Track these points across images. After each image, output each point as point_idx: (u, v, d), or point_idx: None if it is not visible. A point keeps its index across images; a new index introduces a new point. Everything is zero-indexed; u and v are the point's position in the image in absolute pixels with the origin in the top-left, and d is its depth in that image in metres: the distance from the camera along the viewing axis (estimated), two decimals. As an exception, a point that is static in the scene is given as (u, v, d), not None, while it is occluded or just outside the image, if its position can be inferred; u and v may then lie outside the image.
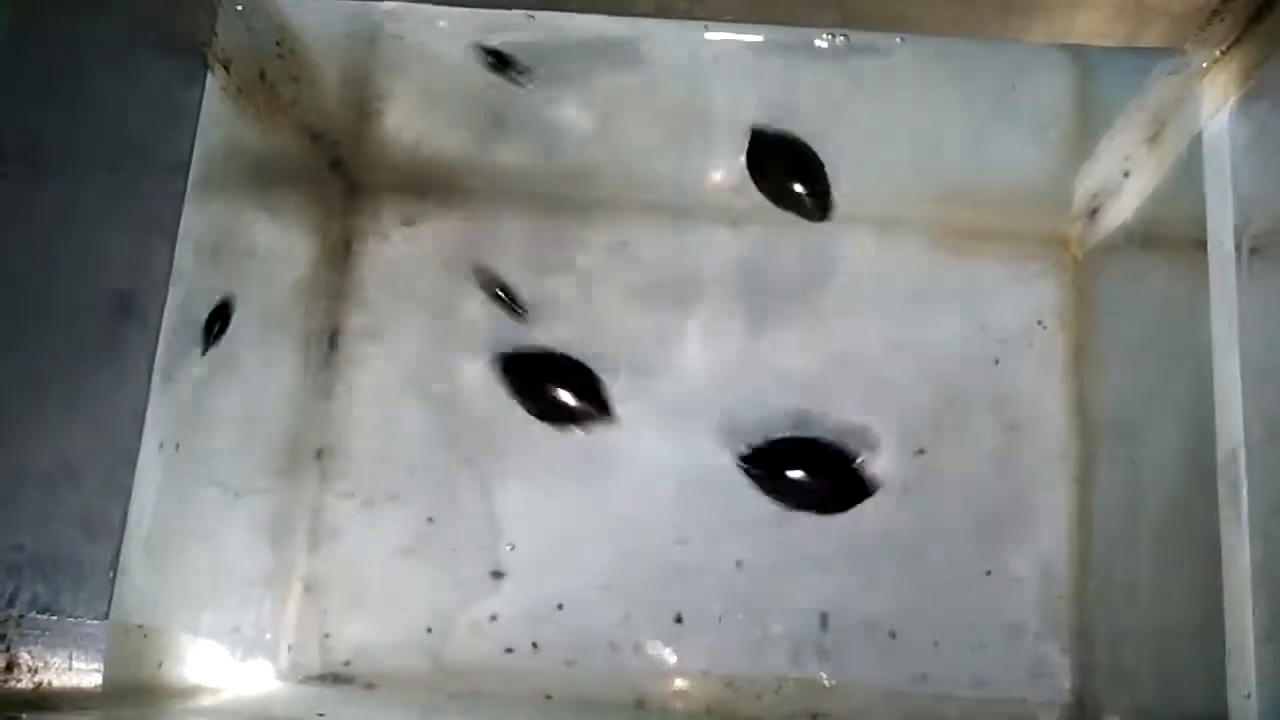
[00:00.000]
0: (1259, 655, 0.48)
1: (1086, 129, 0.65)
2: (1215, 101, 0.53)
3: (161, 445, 0.52)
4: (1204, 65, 0.53)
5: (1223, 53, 0.52)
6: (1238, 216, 0.51)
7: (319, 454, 0.69)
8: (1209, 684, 0.50)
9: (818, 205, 0.68)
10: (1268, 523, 0.48)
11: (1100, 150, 0.64)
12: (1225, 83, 0.52)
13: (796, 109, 0.68)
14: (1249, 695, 0.48)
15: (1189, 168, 0.55)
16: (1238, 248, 0.51)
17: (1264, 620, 0.48)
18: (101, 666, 0.48)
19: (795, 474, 0.67)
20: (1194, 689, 0.52)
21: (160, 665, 0.53)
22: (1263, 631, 0.48)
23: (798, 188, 0.68)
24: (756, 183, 0.68)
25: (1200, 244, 0.53)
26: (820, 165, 0.67)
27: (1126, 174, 0.63)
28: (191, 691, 0.56)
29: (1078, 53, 0.62)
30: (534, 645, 0.67)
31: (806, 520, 0.68)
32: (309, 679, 0.66)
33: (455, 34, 0.64)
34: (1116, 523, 0.64)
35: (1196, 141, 0.54)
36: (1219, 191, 0.52)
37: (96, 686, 0.47)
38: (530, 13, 0.59)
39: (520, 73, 0.63)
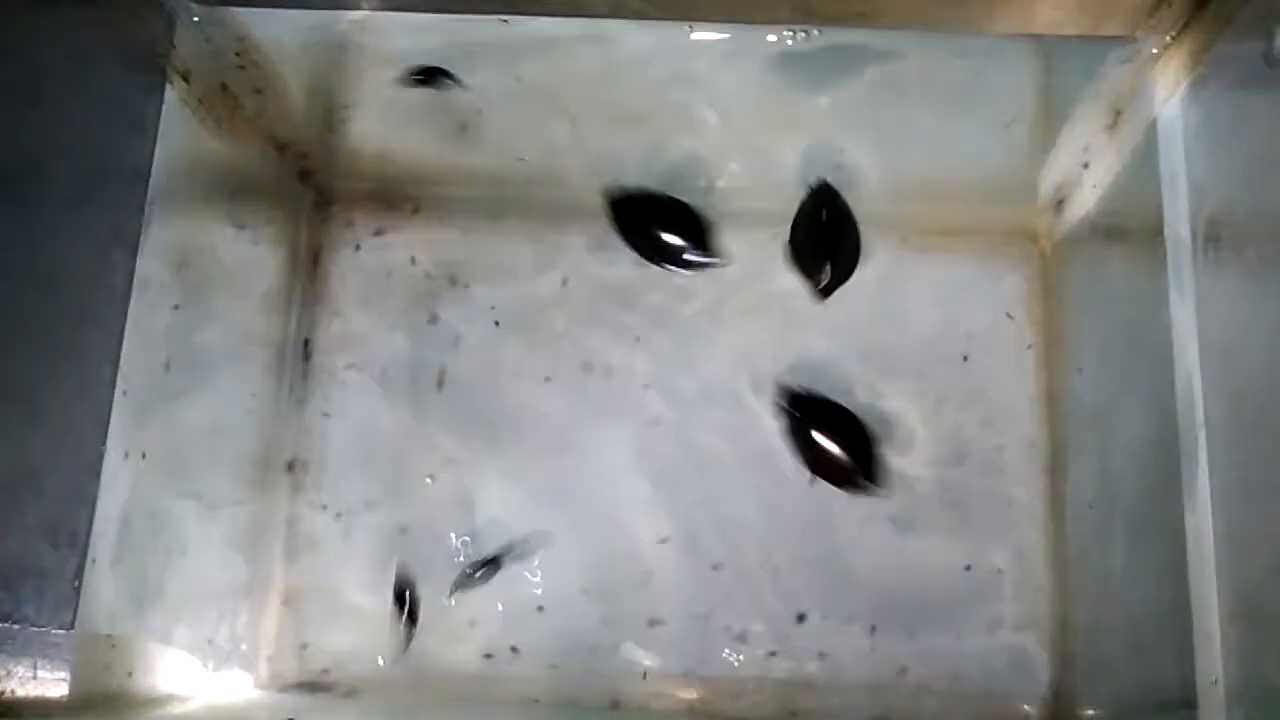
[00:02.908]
0: (1224, 639, 0.48)
1: (1051, 121, 0.65)
2: (1167, 88, 0.53)
3: (127, 455, 0.52)
4: (1154, 52, 0.53)
5: (1172, 38, 0.52)
6: (1192, 202, 0.51)
7: (294, 465, 0.70)
8: (1181, 671, 0.50)
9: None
10: (1229, 505, 0.48)
11: (1061, 141, 0.64)
12: (1176, 69, 0.52)
13: (765, 110, 0.68)
14: (1216, 681, 0.48)
15: (1145, 156, 0.55)
16: (1193, 233, 0.51)
17: (1228, 603, 0.48)
18: (68, 676, 0.48)
19: (825, 439, 0.66)
20: (1168, 677, 0.52)
21: (131, 675, 0.53)
22: (1227, 614, 0.48)
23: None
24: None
25: (1160, 231, 0.53)
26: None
27: (1086, 165, 0.63)
28: (163, 701, 0.55)
29: (1040, 44, 0.63)
30: (513, 650, 0.67)
31: (784, 517, 0.68)
32: (287, 688, 0.66)
33: (422, 42, 0.64)
34: (1090, 513, 0.64)
35: (1151, 129, 0.54)
36: (1173, 178, 0.53)
37: (63, 696, 0.48)
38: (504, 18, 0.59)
39: (452, 79, 0.63)
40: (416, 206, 0.73)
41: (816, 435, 0.65)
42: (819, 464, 0.66)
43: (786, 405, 0.66)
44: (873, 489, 0.65)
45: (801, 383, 0.67)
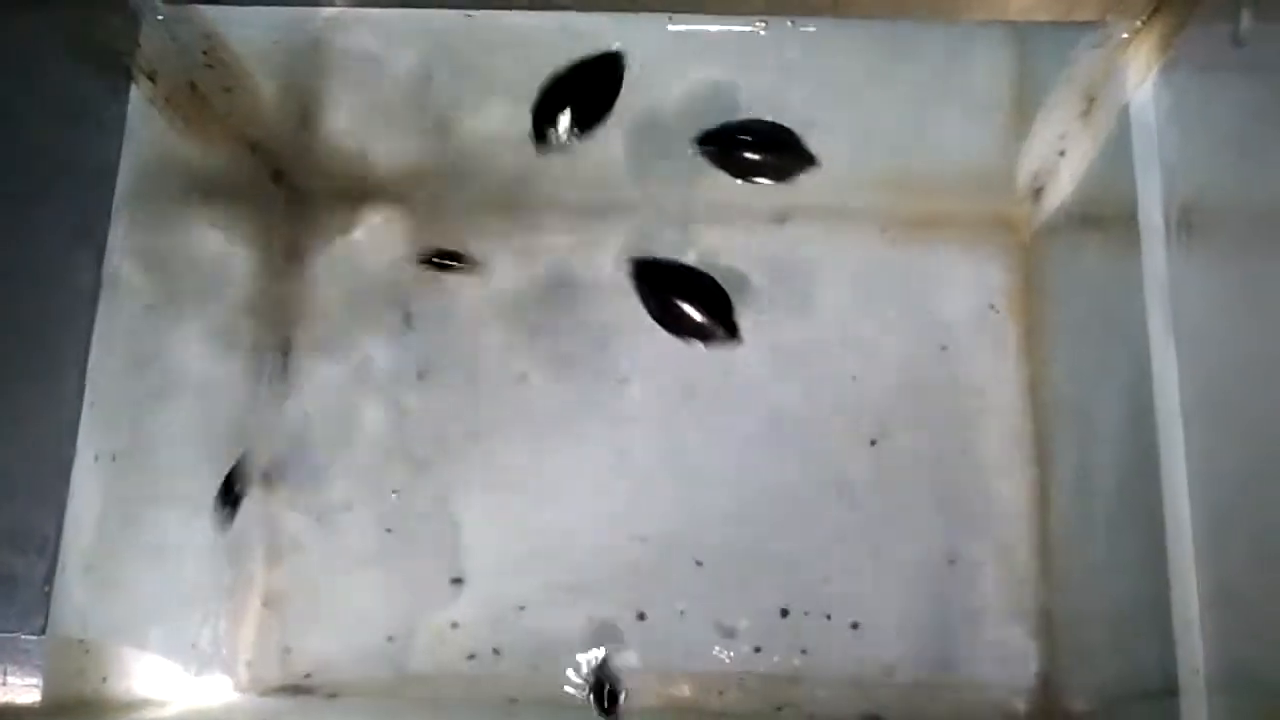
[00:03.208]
0: (1204, 627, 0.48)
1: (1026, 109, 0.65)
2: (1139, 73, 0.53)
3: (97, 458, 0.52)
4: (1125, 36, 0.53)
5: (1143, 23, 0.52)
6: (1165, 187, 0.51)
7: (275, 465, 0.69)
8: (1163, 660, 0.50)
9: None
10: (1206, 492, 0.48)
11: (1036, 130, 0.64)
12: (1147, 53, 0.52)
13: (744, 102, 0.68)
14: (1197, 669, 0.48)
15: (1119, 142, 0.55)
16: (1166, 219, 0.51)
17: (1207, 591, 0.48)
18: (39, 682, 0.47)
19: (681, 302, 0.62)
20: (1151, 666, 0.52)
21: (105, 680, 0.53)
22: (1206, 602, 0.48)
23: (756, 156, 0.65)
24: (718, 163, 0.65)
25: (1134, 218, 0.53)
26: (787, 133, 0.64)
27: (1063, 153, 0.63)
28: (139, 706, 0.55)
29: (1014, 31, 0.62)
30: (495, 651, 0.66)
31: (766, 513, 0.68)
32: (269, 691, 0.66)
33: (396, 39, 0.64)
34: (1073, 502, 0.64)
35: (1124, 115, 0.54)
36: (1147, 164, 0.52)
37: (35, 702, 0.47)
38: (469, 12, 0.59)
39: (463, 261, 0.64)
40: (393, 204, 0.72)
41: (673, 300, 0.62)
42: (680, 326, 0.63)
43: (637, 276, 0.62)
44: (731, 340, 0.63)
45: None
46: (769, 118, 0.60)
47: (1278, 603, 0.42)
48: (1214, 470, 0.47)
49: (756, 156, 0.61)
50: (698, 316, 0.60)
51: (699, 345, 0.61)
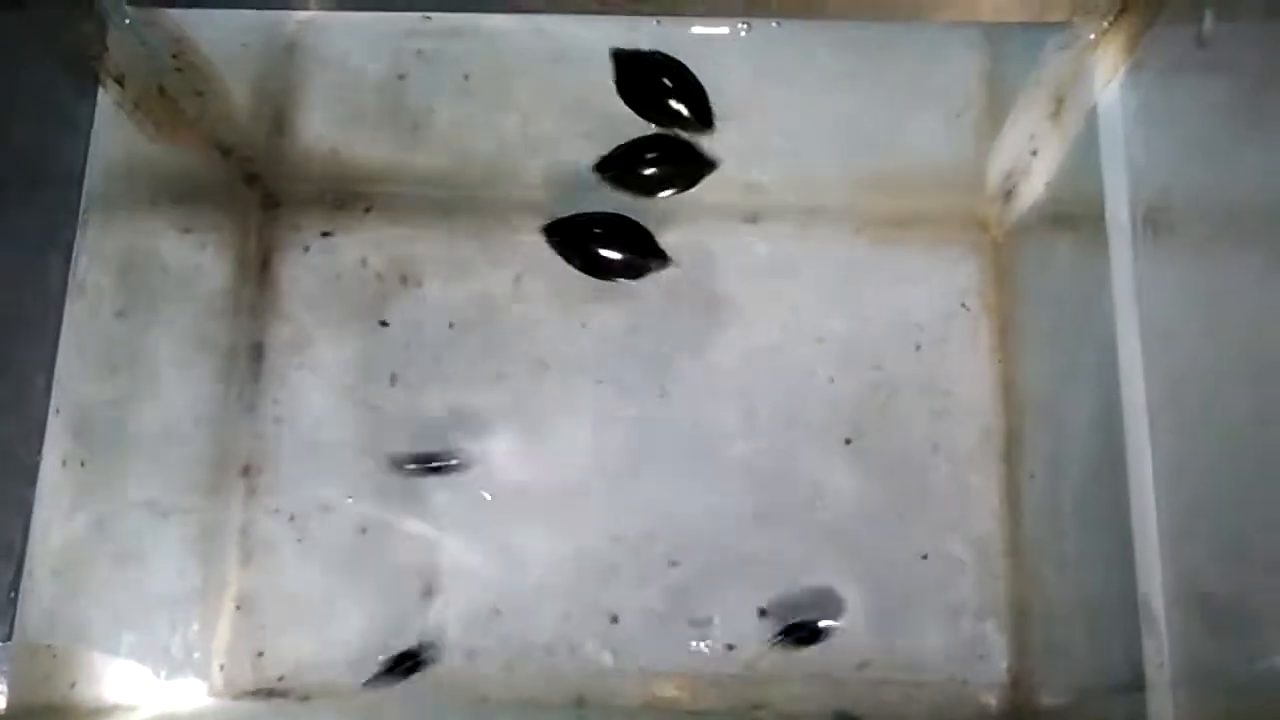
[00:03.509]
0: (1169, 622, 0.48)
1: (998, 110, 0.65)
2: (1106, 73, 0.53)
3: (65, 463, 0.52)
4: (1092, 37, 0.53)
5: (1109, 23, 0.52)
6: (1131, 187, 0.52)
7: (247, 470, 0.69)
8: (1130, 655, 0.50)
9: (699, 118, 0.63)
10: (1171, 488, 0.48)
11: (1007, 130, 0.64)
12: (1114, 54, 0.52)
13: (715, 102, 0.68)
14: (1162, 664, 0.48)
15: (1087, 142, 0.55)
16: (1133, 218, 0.51)
17: (1171, 586, 0.48)
18: (5, 688, 0.47)
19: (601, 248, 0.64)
20: (1119, 661, 0.52)
21: (74, 685, 0.53)
22: (1171, 597, 0.48)
23: (675, 104, 0.64)
24: (633, 107, 0.65)
25: (1103, 217, 0.53)
26: (695, 79, 0.64)
27: (1034, 153, 0.63)
28: (108, 711, 0.55)
29: (986, 33, 0.63)
30: (469, 652, 0.66)
31: (741, 512, 0.68)
32: (242, 695, 0.65)
33: (370, 42, 0.64)
34: (1044, 499, 0.64)
35: (1092, 115, 0.54)
36: (1114, 164, 0.53)
37: (0, 709, 0.47)
38: (427, 14, 0.59)
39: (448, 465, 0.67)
40: (368, 207, 0.72)
41: (593, 249, 0.63)
42: (610, 271, 0.64)
43: (553, 238, 0.63)
44: (663, 264, 0.63)
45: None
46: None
47: (1240, 598, 0.43)
48: (1180, 467, 0.48)
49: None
50: (620, 256, 0.60)
51: (632, 283, 0.61)
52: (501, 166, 0.71)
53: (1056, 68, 0.57)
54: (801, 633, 0.66)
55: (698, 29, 0.61)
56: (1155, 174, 0.50)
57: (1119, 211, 0.52)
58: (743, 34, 0.61)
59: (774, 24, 0.60)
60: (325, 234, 0.72)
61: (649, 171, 0.61)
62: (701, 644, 0.66)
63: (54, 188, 0.51)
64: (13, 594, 0.47)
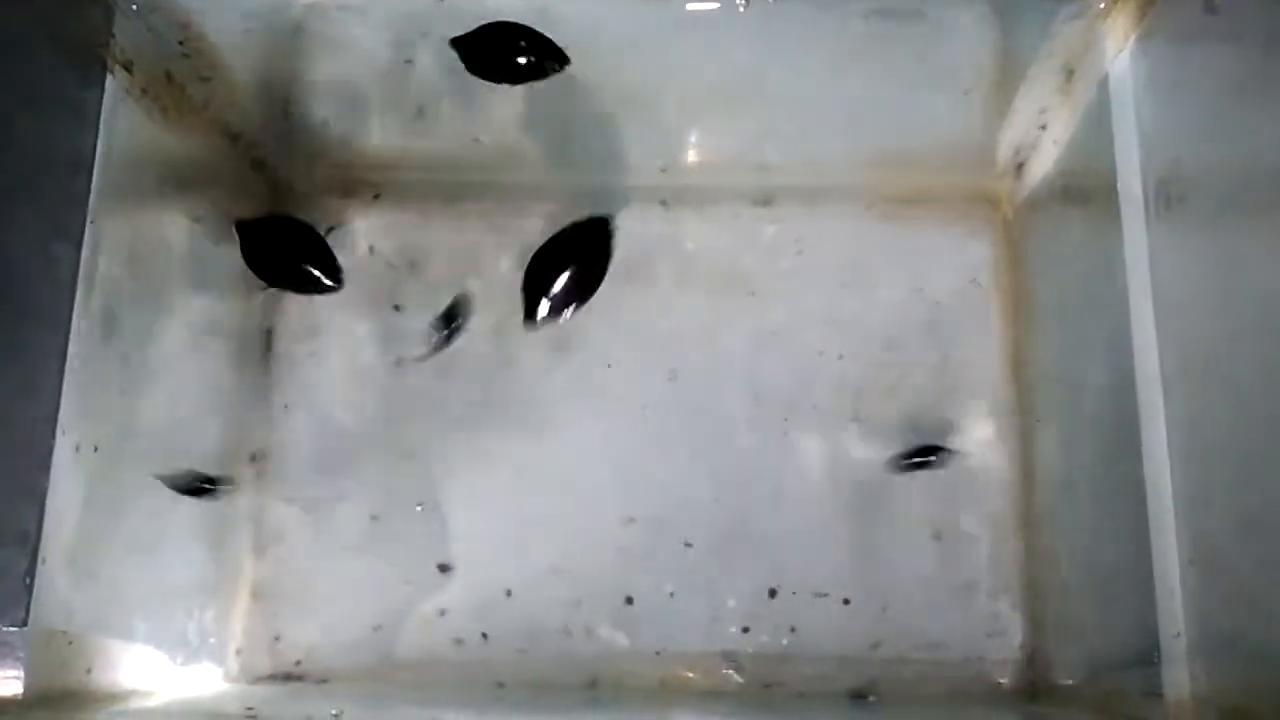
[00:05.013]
0: (1184, 592, 0.48)
1: (1008, 83, 0.65)
2: (1117, 43, 0.53)
3: (78, 449, 0.52)
4: (1102, 6, 0.53)
5: (1119, -8, 0.52)
6: (1143, 158, 0.51)
7: (260, 455, 0.69)
8: (1145, 627, 0.50)
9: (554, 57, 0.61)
10: (1185, 460, 0.48)
11: (1018, 104, 0.64)
12: (1124, 23, 0.52)
13: (723, 81, 0.68)
14: (1178, 634, 0.48)
15: (1098, 113, 0.55)
16: (1145, 189, 0.51)
17: (1187, 557, 0.48)
18: (22, 674, 0.47)
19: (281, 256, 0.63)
20: (1134, 633, 0.52)
21: (90, 671, 0.53)
22: (1186, 567, 0.48)
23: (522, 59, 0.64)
24: (481, 74, 0.61)
25: (1115, 189, 0.53)
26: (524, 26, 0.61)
27: (1044, 126, 0.63)
28: (125, 696, 0.55)
29: (995, 5, 0.62)
30: (483, 635, 0.67)
31: (751, 487, 0.68)
32: (258, 680, 0.66)
33: (378, 28, 0.64)
34: (1057, 474, 0.64)
35: (1103, 86, 0.54)
36: (1125, 134, 0.52)
37: (17, 694, 0.47)
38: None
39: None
40: (376, 193, 0.72)
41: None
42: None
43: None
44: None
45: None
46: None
47: (1254, 568, 0.43)
48: (1193, 438, 0.47)
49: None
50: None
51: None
52: (509, 150, 0.70)
53: (1067, 38, 0.56)
54: (930, 455, 0.67)
55: (692, 5, 0.61)
56: (1167, 144, 0.49)
57: (1131, 183, 0.52)
58: (740, 9, 0.61)
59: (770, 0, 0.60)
60: (334, 220, 0.72)
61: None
62: (716, 624, 0.66)
63: (63, 175, 0.51)
64: (28, 580, 0.48)
